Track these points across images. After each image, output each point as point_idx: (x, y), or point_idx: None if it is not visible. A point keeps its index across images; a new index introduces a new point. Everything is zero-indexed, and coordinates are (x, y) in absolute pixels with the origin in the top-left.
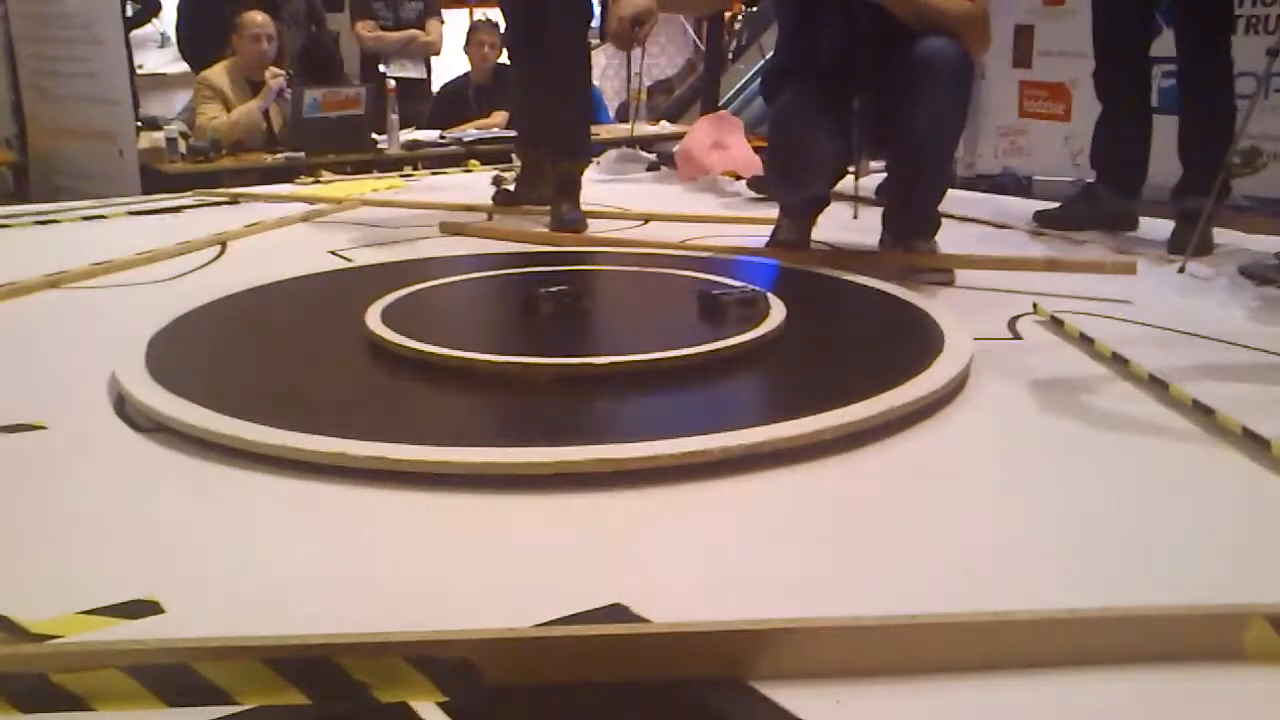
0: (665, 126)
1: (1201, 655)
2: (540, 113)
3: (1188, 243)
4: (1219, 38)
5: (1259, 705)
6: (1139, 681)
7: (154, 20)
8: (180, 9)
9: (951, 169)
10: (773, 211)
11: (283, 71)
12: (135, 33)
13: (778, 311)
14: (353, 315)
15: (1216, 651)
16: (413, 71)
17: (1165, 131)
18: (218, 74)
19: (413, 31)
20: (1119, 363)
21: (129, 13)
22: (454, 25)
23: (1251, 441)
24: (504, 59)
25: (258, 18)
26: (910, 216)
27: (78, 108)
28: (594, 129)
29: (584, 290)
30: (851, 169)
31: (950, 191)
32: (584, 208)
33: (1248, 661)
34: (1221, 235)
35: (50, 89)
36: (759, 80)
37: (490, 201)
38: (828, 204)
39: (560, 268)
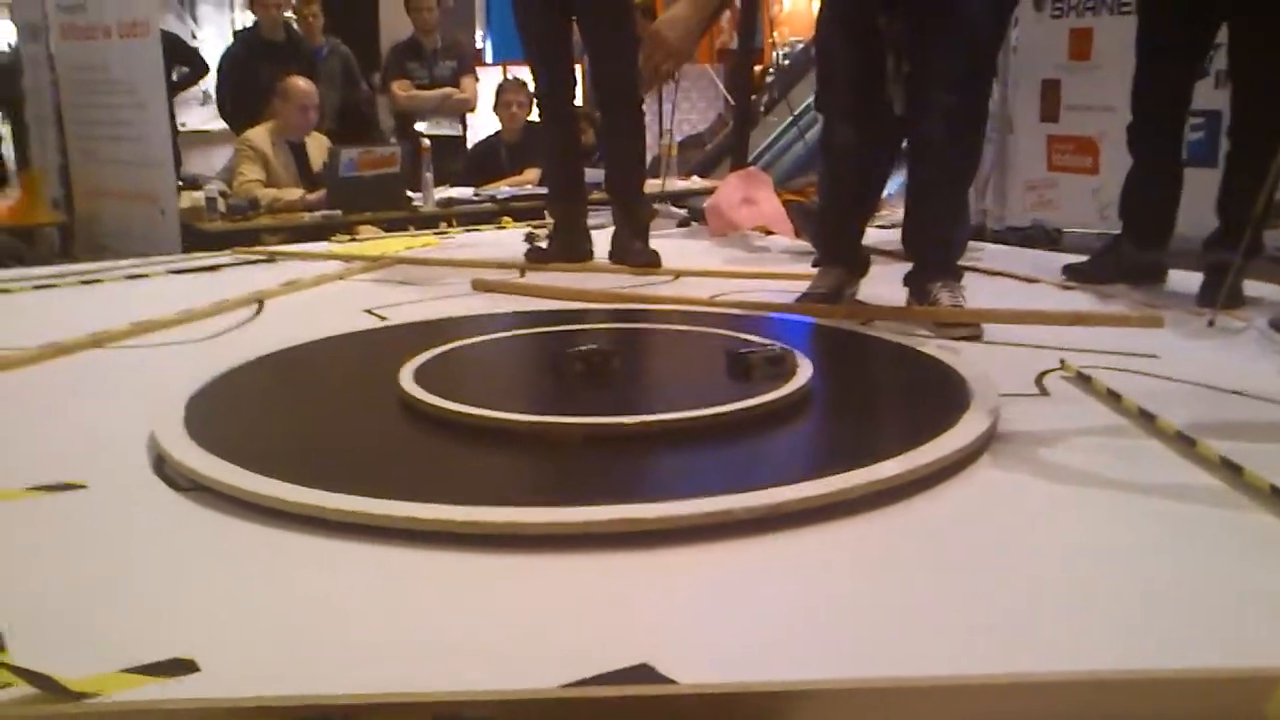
0: (696, 181)
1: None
2: (610, 162)
3: (1217, 296)
4: (1276, 95)
5: None
6: None
7: (200, 80)
8: (220, 70)
9: (969, 205)
10: (803, 266)
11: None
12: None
13: (805, 368)
14: (387, 374)
15: (1240, 715)
16: (448, 129)
17: (1192, 184)
18: (259, 135)
19: (448, 90)
20: (1146, 419)
21: (176, 76)
22: (488, 83)
23: None
24: (534, 117)
25: (302, 85)
26: (930, 249)
27: (121, 170)
28: None
29: (613, 349)
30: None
31: (980, 245)
32: (614, 266)
33: None
34: (1252, 288)
35: (95, 152)
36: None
37: (523, 259)
38: (867, 265)
39: (591, 325)
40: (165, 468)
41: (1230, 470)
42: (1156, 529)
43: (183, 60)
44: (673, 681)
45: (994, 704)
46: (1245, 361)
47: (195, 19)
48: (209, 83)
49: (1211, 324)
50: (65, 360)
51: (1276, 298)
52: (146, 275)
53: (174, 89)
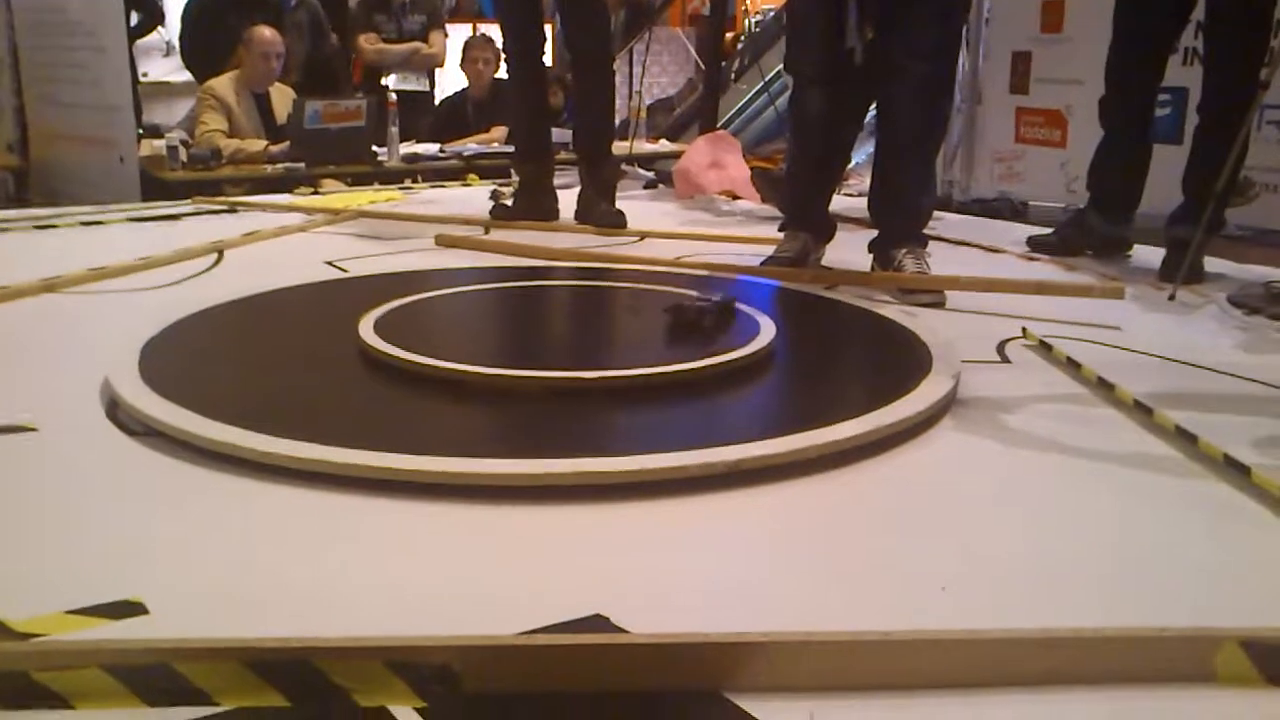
0: (664, 145)
1: (1174, 677)
2: (579, 122)
3: (1178, 271)
4: (1251, 74)
5: None
6: (1110, 702)
7: (159, 29)
8: (185, 18)
9: (936, 172)
10: (769, 231)
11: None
12: (141, 41)
13: (768, 329)
14: (346, 325)
15: (1188, 673)
16: (415, 84)
17: (1158, 161)
18: (223, 84)
19: (415, 44)
20: (1105, 388)
21: (133, 22)
22: (457, 38)
23: (1232, 469)
24: (502, 73)
25: (266, 33)
26: (896, 216)
27: (80, 114)
28: None
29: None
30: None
31: (945, 215)
32: (579, 226)
33: (1219, 684)
34: (1213, 264)
35: (53, 95)
36: None
37: (488, 216)
38: (833, 231)
39: (554, 282)
40: (118, 412)
41: (1185, 439)
42: (1112, 494)
43: (136, 6)
44: (625, 631)
45: (943, 659)
46: (1204, 335)
47: None
48: (172, 33)
49: (1172, 298)
50: (17, 304)
51: (1236, 274)
52: (104, 222)
53: (129, 36)
